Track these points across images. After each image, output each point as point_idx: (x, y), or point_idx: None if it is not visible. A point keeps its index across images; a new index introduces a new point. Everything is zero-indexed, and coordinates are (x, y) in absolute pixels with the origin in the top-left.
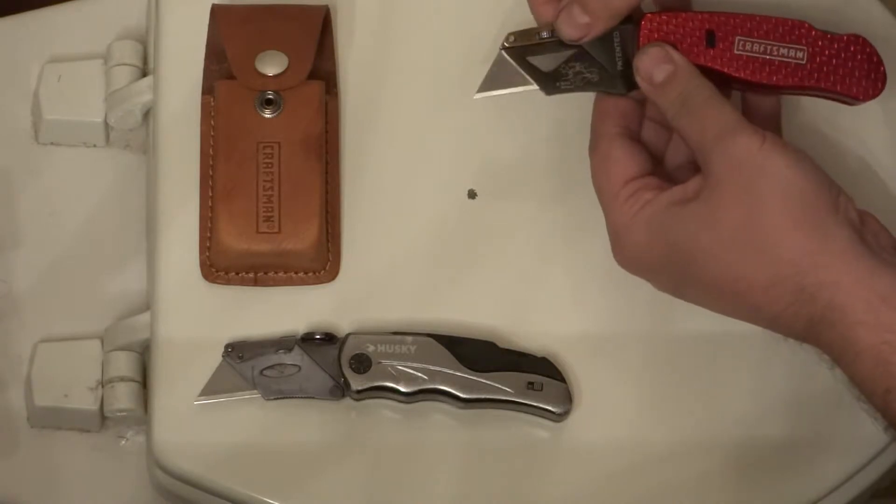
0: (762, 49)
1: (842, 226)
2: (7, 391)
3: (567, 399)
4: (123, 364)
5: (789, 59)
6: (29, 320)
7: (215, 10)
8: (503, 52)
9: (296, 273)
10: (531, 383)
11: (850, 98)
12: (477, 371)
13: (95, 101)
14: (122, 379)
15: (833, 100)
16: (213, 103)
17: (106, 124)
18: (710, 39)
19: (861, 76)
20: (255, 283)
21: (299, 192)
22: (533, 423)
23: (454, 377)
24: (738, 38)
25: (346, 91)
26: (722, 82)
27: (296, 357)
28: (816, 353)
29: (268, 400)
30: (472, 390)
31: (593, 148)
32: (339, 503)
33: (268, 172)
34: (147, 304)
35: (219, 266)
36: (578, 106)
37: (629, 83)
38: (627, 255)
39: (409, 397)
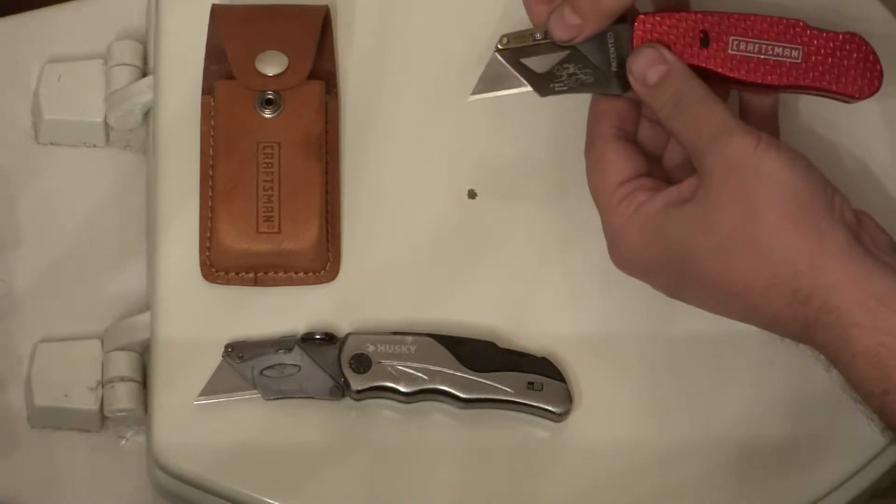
0: (757, 49)
1: (837, 227)
2: (7, 391)
3: (567, 399)
4: (123, 364)
5: (784, 59)
6: (29, 320)
7: (215, 10)
8: (497, 53)
9: (296, 273)
10: (531, 383)
11: (847, 96)
12: (477, 371)
13: (95, 101)
14: (122, 379)
15: (830, 98)
16: (213, 103)
17: (106, 124)
18: (704, 40)
19: (857, 74)
20: (255, 283)
21: (299, 192)
22: (533, 423)
23: (454, 377)
24: (732, 38)
25: (346, 91)
26: (717, 83)
27: (296, 357)
28: (813, 353)
29: (268, 400)
30: (472, 390)
31: (588, 150)
32: (339, 503)
33: (268, 172)
34: (147, 304)
35: (219, 266)
36: (580, 107)
37: (624, 84)
38: (624, 256)
39: (409, 397)
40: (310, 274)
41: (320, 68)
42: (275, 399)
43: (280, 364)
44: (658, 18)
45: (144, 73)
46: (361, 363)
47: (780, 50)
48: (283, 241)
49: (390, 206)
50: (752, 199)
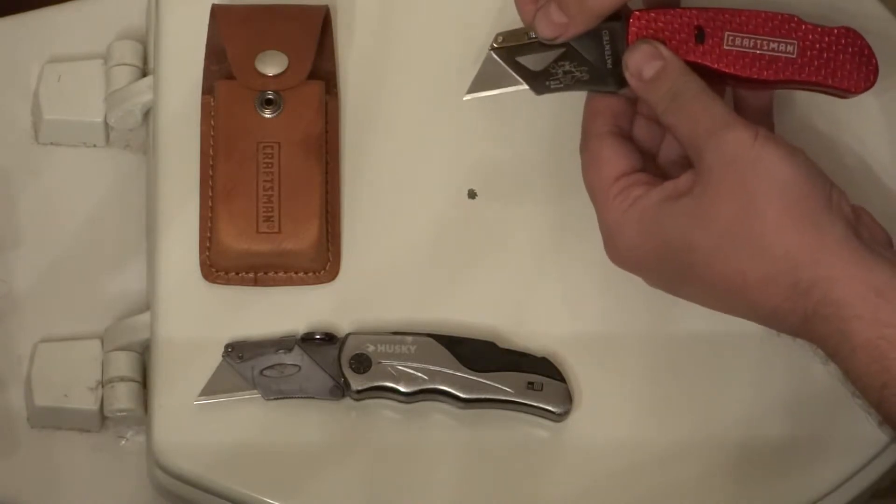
0: (752, 44)
1: (835, 220)
2: (7, 391)
3: (567, 399)
4: (123, 364)
5: (780, 54)
6: (29, 320)
7: (215, 10)
8: (492, 52)
9: (296, 273)
10: (531, 383)
11: (843, 91)
12: (477, 371)
13: (95, 101)
14: (122, 379)
15: (825, 93)
16: (213, 103)
17: (106, 124)
18: (700, 35)
19: (852, 69)
20: (255, 283)
21: (299, 192)
22: (533, 423)
23: (454, 377)
24: (727, 33)
25: (346, 91)
26: (713, 78)
27: (296, 357)
28: (811, 348)
29: (268, 400)
30: (472, 390)
31: (583, 147)
32: (339, 503)
33: (268, 172)
34: (147, 304)
35: (219, 266)
36: (581, 105)
37: (619, 81)
38: (620, 252)
39: (409, 397)
40: (310, 274)
41: (320, 68)
42: (275, 399)
43: (280, 364)
44: (653, 15)
45: (144, 73)
46: (361, 363)
47: (775, 45)
48: (283, 241)
49: (390, 206)
50: (749, 193)
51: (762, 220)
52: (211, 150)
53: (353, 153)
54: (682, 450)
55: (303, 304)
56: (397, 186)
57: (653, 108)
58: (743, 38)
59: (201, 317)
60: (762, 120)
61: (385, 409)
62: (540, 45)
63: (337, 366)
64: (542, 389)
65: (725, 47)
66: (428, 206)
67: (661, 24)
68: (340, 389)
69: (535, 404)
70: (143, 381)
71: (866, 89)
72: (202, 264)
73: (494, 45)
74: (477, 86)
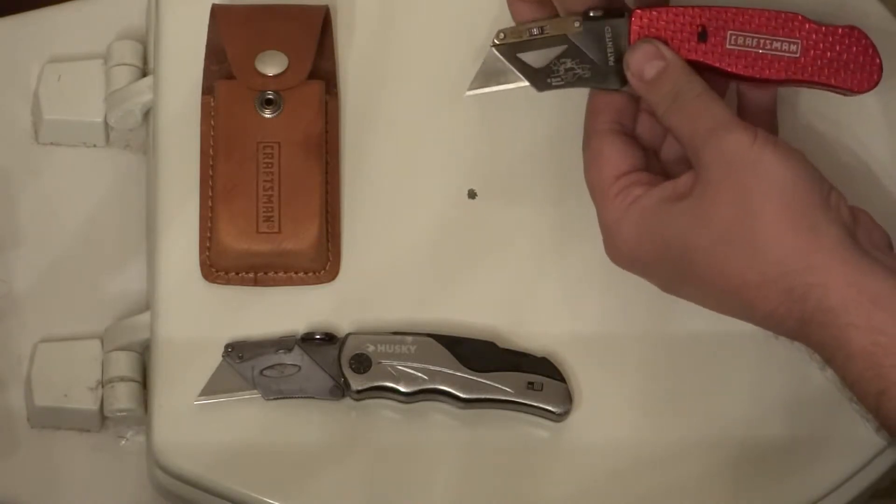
0: (755, 43)
1: (833, 224)
2: (7, 391)
3: (567, 399)
4: (123, 364)
5: (783, 53)
6: (29, 320)
7: (215, 10)
8: (493, 49)
9: (296, 273)
10: (531, 383)
11: (846, 90)
12: (477, 371)
13: (95, 101)
14: (122, 379)
15: (828, 91)
16: (213, 103)
17: (106, 124)
18: (702, 34)
19: (856, 68)
20: (255, 283)
21: (299, 192)
22: (533, 423)
23: (454, 377)
24: (730, 32)
25: (346, 91)
26: (715, 77)
27: (296, 357)
28: (808, 352)
29: (268, 400)
30: (472, 390)
31: (585, 145)
32: (338, 503)
33: (268, 172)
34: (147, 304)
35: (219, 266)
36: (582, 104)
37: (622, 78)
38: (618, 250)
39: (409, 397)
40: (310, 274)
41: (320, 68)
42: (275, 399)
43: (280, 364)
44: (655, 13)
45: (144, 73)
46: (361, 363)
47: (778, 44)
48: (283, 241)
49: (390, 205)
50: (748, 195)
51: (760, 222)
52: (211, 150)
53: (353, 153)
54: (682, 450)
55: (303, 304)
56: (397, 186)
57: (653, 108)
58: (746, 36)
59: (201, 317)
60: (765, 119)
61: (385, 409)
62: (542, 42)
63: (337, 366)
64: (542, 389)
65: (728, 46)
66: (428, 206)
67: (663, 23)
68: (340, 389)
69: (535, 404)
70: (143, 381)
71: (870, 89)
72: (202, 264)
73: (496, 41)
74: (478, 82)
